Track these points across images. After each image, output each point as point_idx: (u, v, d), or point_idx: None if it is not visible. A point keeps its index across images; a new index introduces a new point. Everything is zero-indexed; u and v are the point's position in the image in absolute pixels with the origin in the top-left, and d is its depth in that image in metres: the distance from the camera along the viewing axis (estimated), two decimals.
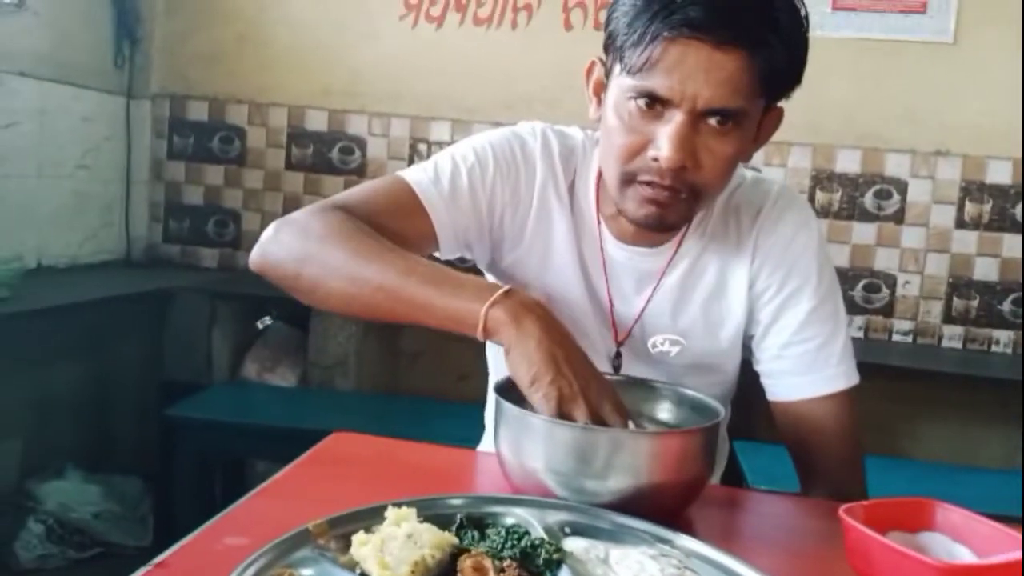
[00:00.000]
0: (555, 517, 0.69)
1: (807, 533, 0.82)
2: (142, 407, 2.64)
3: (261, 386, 2.56)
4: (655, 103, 0.87)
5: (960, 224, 2.51)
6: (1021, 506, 2.04)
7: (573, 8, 2.65)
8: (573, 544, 0.65)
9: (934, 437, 2.49)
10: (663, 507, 0.72)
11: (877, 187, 2.54)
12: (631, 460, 0.72)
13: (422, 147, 2.79)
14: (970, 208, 2.50)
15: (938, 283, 2.54)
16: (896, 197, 2.53)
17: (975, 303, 2.52)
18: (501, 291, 0.82)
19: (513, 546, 0.62)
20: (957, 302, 2.53)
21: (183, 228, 2.94)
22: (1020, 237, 2.48)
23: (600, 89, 0.96)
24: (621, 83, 0.89)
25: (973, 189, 2.49)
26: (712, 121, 0.87)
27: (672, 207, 0.91)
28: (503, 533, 0.64)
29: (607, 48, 0.92)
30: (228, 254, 2.92)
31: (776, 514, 0.87)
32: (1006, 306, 2.50)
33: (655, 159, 0.88)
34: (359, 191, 1.02)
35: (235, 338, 2.67)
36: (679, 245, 1.03)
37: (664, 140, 0.87)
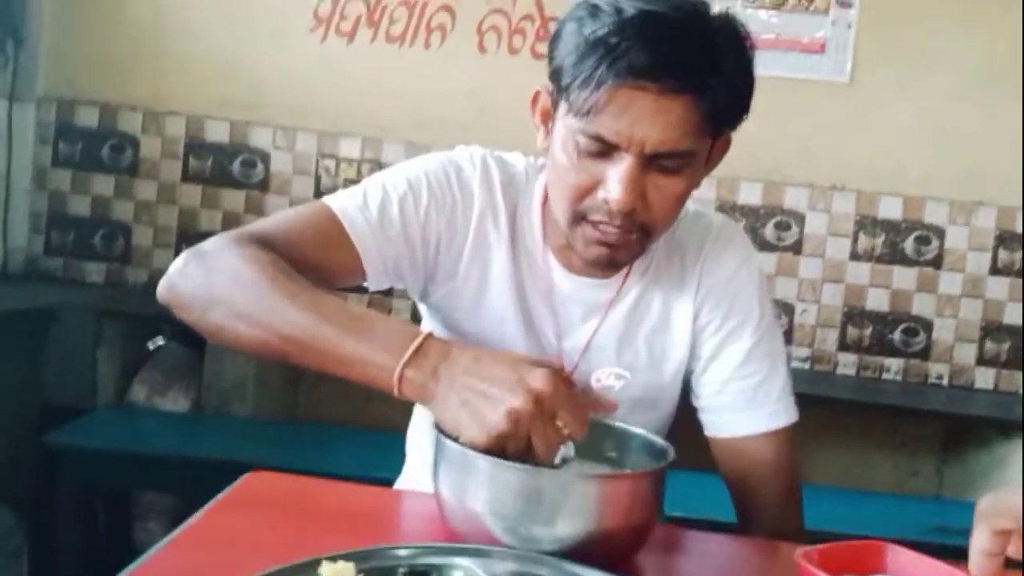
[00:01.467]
0: (502, 567, 0.65)
1: (751, 573, 0.81)
2: (18, 432, 2.43)
3: (151, 411, 2.41)
4: (604, 146, 0.86)
5: (854, 256, 2.62)
6: (911, 530, 2.13)
7: (487, 31, 2.64)
8: None
9: (829, 461, 2.58)
10: (614, 553, 0.69)
11: (777, 219, 2.63)
12: (581, 504, 0.69)
13: (329, 163, 2.70)
14: (863, 241, 2.61)
15: (834, 312, 2.63)
16: (795, 229, 2.62)
17: (868, 331, 2.62)
18: (414, 346, 0.77)
19: None
20: (851, 330, 2.63)
21: (67, 240, 2.75)
22: (909, 270, 2.60)
23: (547, 118, 0.94)
24: (568, 123, 0.88)
25: (867, 223, 2.61)
26: (661, 162, 0.87)
27: (622, 247, 0.91)
28: None
29: (552, 79, 0.91)
30: (116, 269, 2.75)
31: (720, 553, 0.86)
32: (896, 335, 2.62)
33: (605, 201, 0.87)
34: (280, 219, 0.97)
35: (123, 359, 2.50)
36: (626, 277, 1.01)
37: (614, 183, 0.86)
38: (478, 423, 0.72)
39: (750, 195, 2.63)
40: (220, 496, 0.84)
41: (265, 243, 0.90)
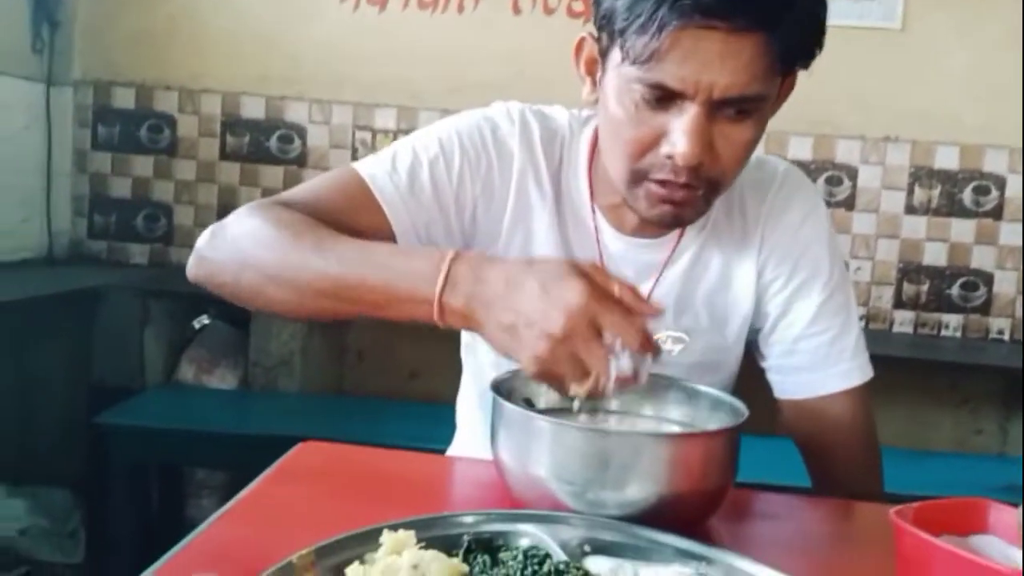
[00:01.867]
0: (571, 533, 0.61)
1: (833, 537, 0.77)
2: (69, 414, 2.46)
3: (199, 389, 2.42)
4: (667, 94, 0.79)
5: (910, 210, 2.52)
6: (977, 489, 2.06)
7: None
8: (597, 565, 0.58)
9: (887, 420, 2.48)
10: (686, 517, 0.65)
11: (828, 173, 2.54)
12: (651, 466, 0.65)
13: (366, 135, 2.67)
14: (919, 193, 2.52)
15: (889, 268, 2.55)
16: (847, 183, 2.53)
17: (925, 288, 2.53)
18: (442, 276, 0.72)
19: (535, 572, 0.55)
20: (907, 287, 2.54)
21: (110, 223, 2.76)
22: (967, 222, 2.50)
23: (594, 68, 0.87)
24: (623, 72, 0.81)
25: (922, 175, 2.51)
26: (729, 110, 0.80)
27: (689, 204, 0.84)
28: (520, 558, 0.56)
29: (601, 27, 0.83)
30: (159, 249, 2.76)
31: (795, 516, 0.81)
32: (955, 291, 2.53)
33: (669, 156, 0.80)
34: (305, 185, 0.93)
35: (169, 339, 2.51)
36: (681, 235, 0.95)
37: (679, 136, 0.79)
38: (525, 354, 0.68)
39: (800, 149, 2.54)
40: (273, 467, 0.82)
41: (290, 207, 0.87)
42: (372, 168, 0.92)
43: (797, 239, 0.96)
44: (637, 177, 0.84)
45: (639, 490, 0.64)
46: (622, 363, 0.67)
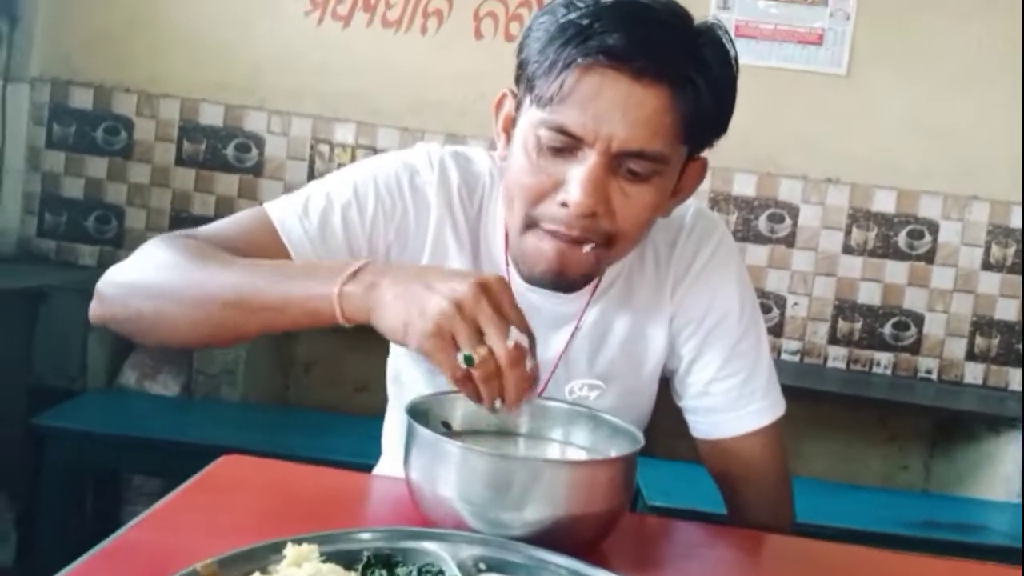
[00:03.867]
0: (469, 552, 0.65)
1: (725, 563, 0.81)
2: (6, 414, 2.43)
3: (140, 394, 2.41)
4: (567, 141, 0.80)
5: (847, 249, 2.61)
6: (899, 524, 2.14)
7: (484, 17, 2.63)
8: None
9: (818, 453, 2.58)
10: (582, 539, 0.69)
11: (771, 211, 2.62)
12: (550, 490, 0.69)
13: (324, 148, 2.70)
14: (856, 234, 2.61)
15: (825, 305, 2.63)
16: (788, 221, 2.62)
17: (858, 326, 2.62)
18: (352, 268, 0.74)
19: None
20: (842, 324, 2.63)
21: (60, 222, 2.74)
22: (901, 264, 2.60)
23: (509, 125, 0.88)
24: (531, 116, 0.82)
25: (860, 217, 2.61)
26: (629, 166, 0.80)
27: (575, 261, 0.84)
28: (415, 574, 0.60)
29: (518, 79, 0.85)
30: (109, 252, 2.74)
31: (692, 543, 0.86)
32: (887, 329, 2.62)
33: (564, 204, 0.81)
34: (213, 225, 0.93)
35: (113, 342, 2.50)
36: (596, 286, 0.96)
37: (575, 184, 0.79)
38: (419, 313, 0.69)
39: (744, 186, 2.62)
40: (193, 478, 0.84)
41: (190, 238, 0.86)
42: (283, 212, 0.91)
43: (708, 283, 0.97)
44: (530, 224, 0.84)
45: (536, 512, 0.68)
46: (519, 336, 0.70)
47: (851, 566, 0.84)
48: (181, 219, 2.70)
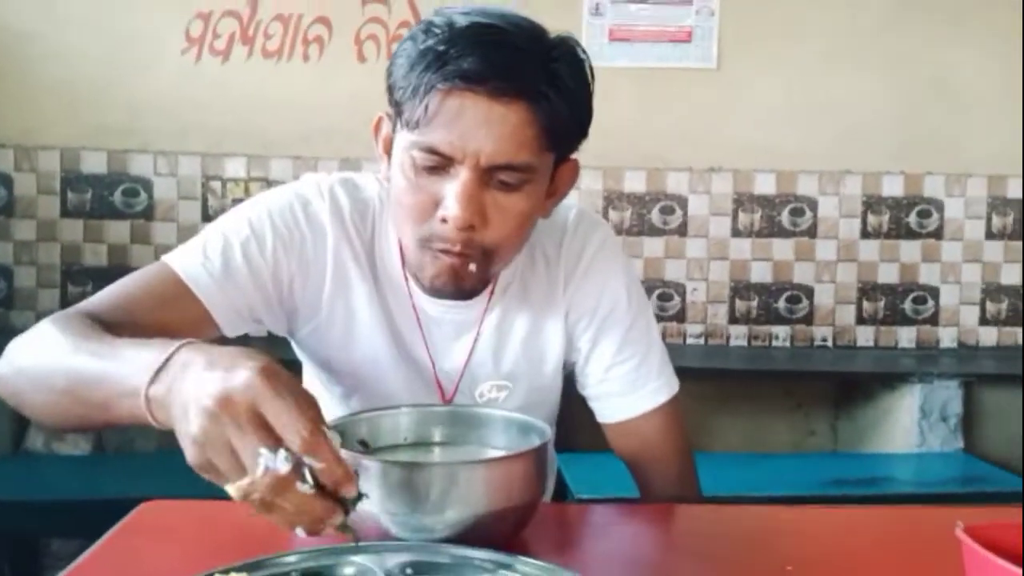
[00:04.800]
0: (395, 560, 0.68)
1: (641, 539, 0.86)
2: None
3: (50, 457, 2.34)
4: (438, 160, 0.84)
5: (735, 233, 2.74)
6: (810, 485, 2.26)
7: (366, 40, 2.65)
8: None
9: (728, 428, 2.70)
10: (502, 533, 0.73)
11: (662, 204, 2.73)
12: (467, 490, 0.72)
13: (215, 184, 2.67)
14: (743, 218, 2.74)
15: (721, 288, 2.75)
16: (679, 212, 2.73)
17: (754, 303, 2.76)
18: (160, 360, 0.66)
19: None
20: (739, 304, 2.76)
21: None
22: (787, 241, 2.74)
23: (389, 146, 0.92)
24: (402, 138, 0.87)
25: (744, 200, 2.74)
26: (500, 178, 0.85)
27: (465, 274, 0.88)
28: None
29: (389, 102, 0.89)
30: (0, 314, 2.64)
31: (608, 524, 0.90)
32: (781, 304, 2.76)
33: (444, 219, 0.85)
34: (114, 288, 0.91)
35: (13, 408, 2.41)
36: (492, 291, 1.01)
37: (451, 200, 0.84)
38: (185, 439, 0.62)
39: (635, 183, 2.72)
40: (114, 529, 0.84)
41: (93, 317, 0.84)
42: (183, 260, 0.92)
43: (595, 278, 1.03)
44: (421, 244, 0.89)
45: (456, 513, 0.71)
46: (277, 460, 0.59)
47: (759, 525, 0.90)
48: (73, 272, 2.63)
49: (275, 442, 0.60)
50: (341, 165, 2.62)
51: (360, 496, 0.64)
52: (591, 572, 0.67)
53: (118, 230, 2.65)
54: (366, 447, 0.86)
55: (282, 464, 0.59)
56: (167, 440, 2.21)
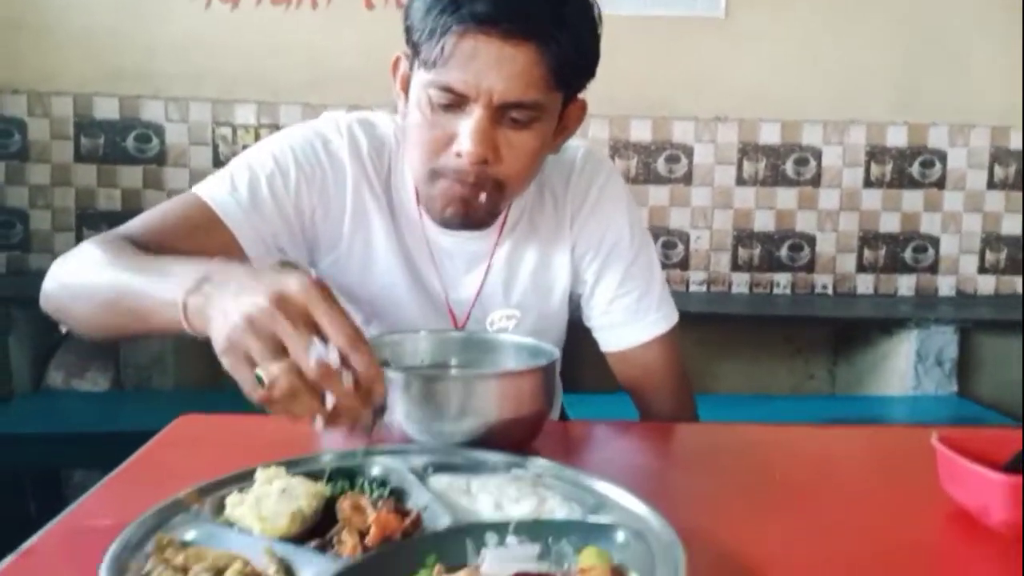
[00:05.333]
0: (417, 460, 0.74)
1: (640, 451, 0.93)
2: None
3: (70, 393, 2.42)
4: (453, 98, 0.89)
5: (740, 182, 2.78)
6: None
7: None
8: (438, 481, 0.71)
9: (729, 371, 2.76)
10: (513, 440, 0.79)
11: (667, 152, 2.76)
12: (481, 401, 0.78)
13: (226, 131, 2.70)
14: (747, 167, 2.78)
15: (725, 236, 2.80)
16: (684, 161, 2.76)
17: (757, 251, 2.80)
18: (200, 273, 0.71)
19: (383, 487, 0.68)
20: (742, 252, 2.81)
21: None
22: (790, 191, 2.78)
23: (406, 84, 0.97)
24: (420, 78, 0.91)
25: (749, 150, 2.77)
26: (511, 115, 0.90)
27: (476, 205, 0.94)
28: (375, 482, 0.69)
29: (407, 42, 0.93)
30: (17, 257, 2.70)
31: (610, 438, 0.97)
32: (783, 252, 2.81)
33: (459, 154, 0.90)
34: (149, 214, 0.97)
35: (35, 345, 2.49)
36: (503, 225, 1.07)
37: (465, 136, 0.89)
38: (218, 330, 0.66)
39: (641, 132, 2.75)
40: (152, 440, 0.90)
41: (130, 240, 0.89)
42: (212, 190, 0.97)
43: (600, 215, 1.09)
44: (433, 176, 0.94)
45: (472, 421, 0.78)
46: (329, 352, 0.64)
47: (752, 440, 0.96)
48: (88, 216, 2.68)
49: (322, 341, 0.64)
50: (350, 111, 2.64)
51: (384, 408, 0.70)
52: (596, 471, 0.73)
53: (131, 175, 2.70)
54: (387, 366, 0.92)
55: (333, 355, 0.64)
56: (185, 378, 2.29)
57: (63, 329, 0.97)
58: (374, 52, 2.71)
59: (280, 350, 0.64)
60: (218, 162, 2.68)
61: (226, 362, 0.66)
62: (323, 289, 0.66)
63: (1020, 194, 2.80)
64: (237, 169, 1.00)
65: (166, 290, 0.73)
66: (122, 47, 2.65)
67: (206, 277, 0.71)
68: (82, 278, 0.86)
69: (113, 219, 2.68)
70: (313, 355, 0.63)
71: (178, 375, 2.48)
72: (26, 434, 2.12)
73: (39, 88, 2.65)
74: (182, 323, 0.72)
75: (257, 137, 2.69)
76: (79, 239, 2.78)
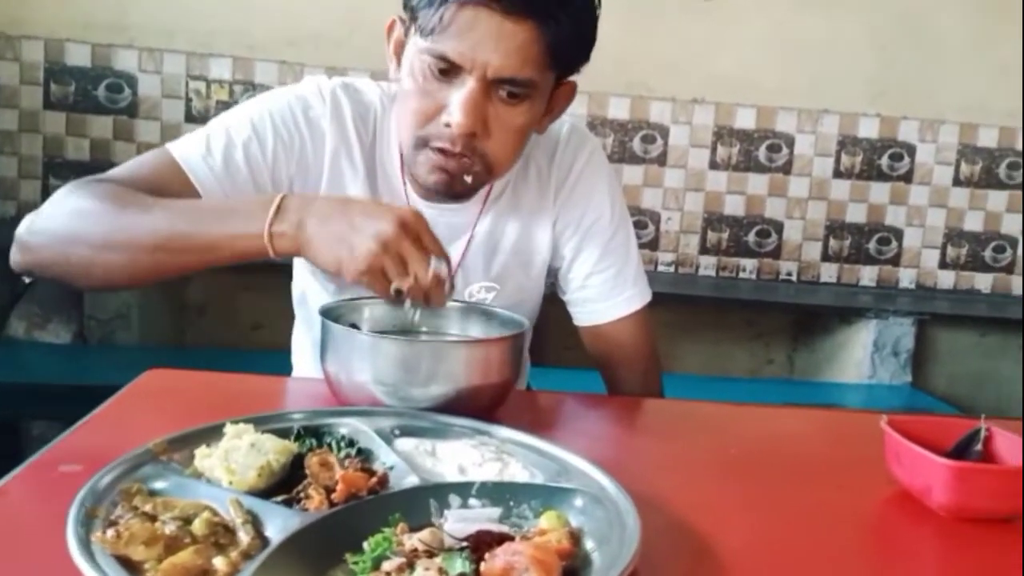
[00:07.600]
0: (384, 423, 0.76)
1: (603, 423, 0.95)
2: None
3: (31, 344, 2.39)
4: (448, 67, 0.89)
5: (713, 165, 2.81)
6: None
7: None
8: (404, 443, 0.73)
9: (693, 353, 2.81)
10: (479, 407, 0.81)
11: (643, 132, 2.78)
12: (450, 367, 0.80)
13: (200, 85, 2.66)
14: (721, 151, 2.80)
15: (695, 219, 2.83)
16: (660, 141, 2.78)
17: (725, 236, 2.84)
18: (275, 206, 0.83)
19: (350, 447, 0.69)
20: (711, 235, 2.84)
21: None
22: (762, 177, 2.81)
23: (400, 49, 0.97)
24: (416, 44, 0.91)
25: (724, 134, 2.79)
26: (503, 91, 0.90)
27: (460, 175, 0.94)
28: (342, 442, 0.70)
29: (404, 6, 0.93)
30: None
31: (575, 410, 0.99)
32: (751, 238, 2.85)
33: (447, 124, 0.90)
34: (121, 167, 0.97)
35: None
36: (487, 198, 1.07)
37: (456, 106, 0.89)
38: (350, 252, 0.80)
39: (619, 110, 2.76)
40: (121, 391, 0.90)
41: (107, 183, 0.91)
42: (186, 151, 0.96)
43: (582, 190, 1.10)
44: (420, 143, 0.94)
45: (440, 387, 0.79)
46: (442, 267, 0.83)
47: (711, 415, 1.00)
48: (55, 165, 2.63)
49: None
50: (327, 73, 2.58)
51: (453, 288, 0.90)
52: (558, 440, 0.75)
53: (101, 125, 2.65)
54: (357, 329, 0.93)
55: (444, 269, 0.83)
56: (148, 337, 2.26)
57: (26, 279, 0.96)
58: (353, 14, 2.73)
59: (404, 265, 0.80)
60: (190, 116, 2.64)
61: (365, 280, 0.81)
62: (423, 218, 0.83)
63: (984, 192, 2.86)
64: (214, 132, 0.99)
65: (235, 225, 0.84)
66: None
67: (282, 207, 0.83)
68: (99, 228, 0.86)
69: (81, 169, 2.64)
70: (432, 268, 0.82)
71: (142, 331, 2.46)
72: None
73: (9, 31, 2.59)
74: (266, 249, 0.83)
75: (231, 93, 2.66)
76: (45, 188, 2.76)
